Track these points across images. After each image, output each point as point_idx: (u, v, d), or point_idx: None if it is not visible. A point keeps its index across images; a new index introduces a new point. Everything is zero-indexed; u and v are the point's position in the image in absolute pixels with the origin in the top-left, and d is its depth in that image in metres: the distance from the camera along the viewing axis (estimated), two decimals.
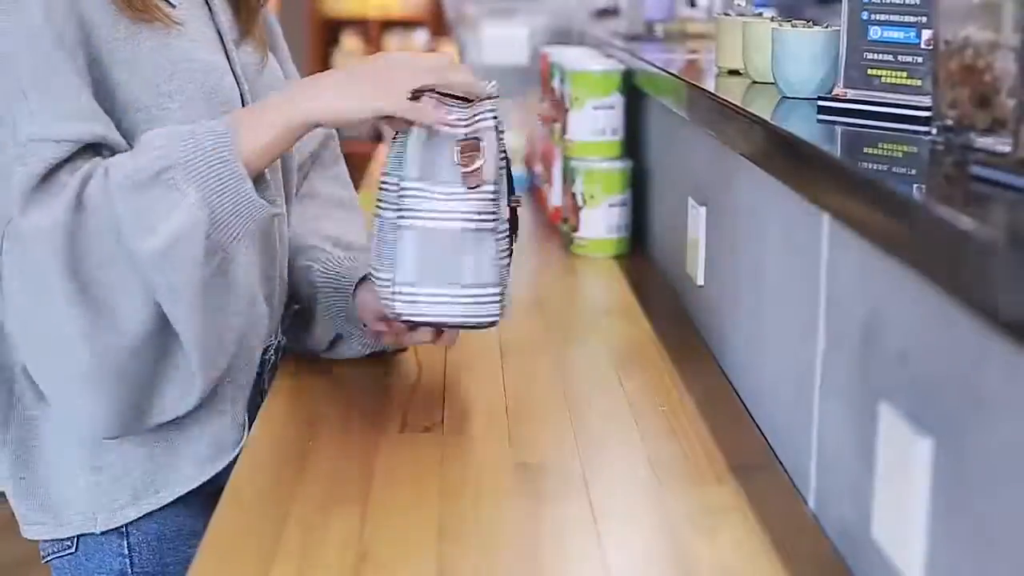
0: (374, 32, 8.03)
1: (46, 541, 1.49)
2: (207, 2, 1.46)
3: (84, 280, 1.29)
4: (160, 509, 1.46)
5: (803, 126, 1.36)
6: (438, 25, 7.51)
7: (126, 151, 1.33)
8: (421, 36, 7.93)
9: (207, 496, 1.29)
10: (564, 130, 2.34)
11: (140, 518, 1.45)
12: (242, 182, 1.31)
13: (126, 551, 1.47)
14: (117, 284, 1.30)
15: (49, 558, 1.50)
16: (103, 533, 1.46)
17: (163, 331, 1.33)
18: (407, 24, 8.04)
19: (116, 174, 1.30)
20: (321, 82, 1.38)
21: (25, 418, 1.44)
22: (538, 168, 2.74)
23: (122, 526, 1.45)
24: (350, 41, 8.04)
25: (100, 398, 1.33)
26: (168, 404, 1.38)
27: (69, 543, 1.47)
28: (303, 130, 1.36)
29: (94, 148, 1.32)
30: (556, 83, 2.43)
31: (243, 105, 1.46)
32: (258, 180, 1.36)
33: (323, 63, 7.84)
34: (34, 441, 1.44)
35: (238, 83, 1.47)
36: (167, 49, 1.38)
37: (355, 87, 1.36)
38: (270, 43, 1.61)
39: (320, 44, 7.93)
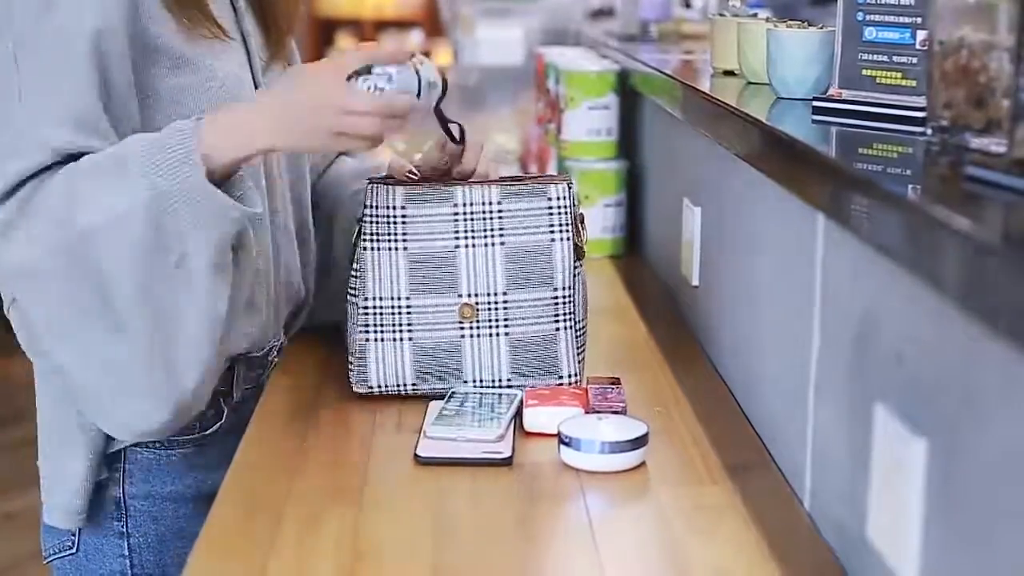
0: (369, 32, 8.02)
1: (48, 541, 1.49)
2: (238, 22, 1.49)
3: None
4: (160, 510, 1.47)
5: (798, 127, 1.36)
6: (433, 25, 7.50)
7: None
8: (416, 37, 7.93)
9: (207, 498, 1.29)
10: (559, 130, 2.34)
11: (140, 519, 1.46)
12: (196, 168, 1.30)
13: (126, 552, 1.48)
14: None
15: (50, 558, 1.51)
16: (104, 534, 1.46)
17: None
18: (402, 24, 8.04)
19: (74, 164, 1.32)
20: (271, 113, 1.36)
21: None
22: (533, 168, 2.74)
23: (123, 524, 1.46)
24: (345, 41, 8.04)
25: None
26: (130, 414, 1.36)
27: (71, 543, 1.48)
28: (263, 153, 1.39)
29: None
30: (551, 83, 2.43)
31: None
32: (233, 183, 1.35)
33: None
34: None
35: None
36: (202, 59, 1.42)
37: (293, 127, 1.35)
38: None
39: (315, 44, 7.92)
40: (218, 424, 1.52)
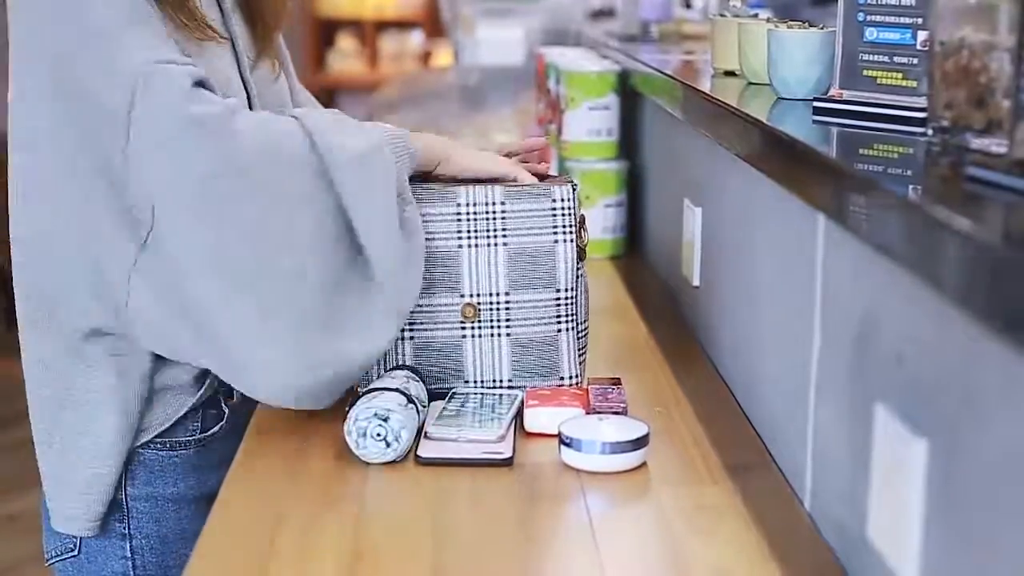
0: (369, 33, 8.02)
1: (50, 543, 1.49)
2: (223, 18, 1.48)
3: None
4: (163, 511, 1.47)
5: (799, 127, 1.36)
6: (434, 26, 7.50)
7: None
8: (416, 37, 7.93)
9: (209, 498, 1.29)
10: (560, 131, 2.34)
11: (142, 520, 1.46)
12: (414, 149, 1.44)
13: (128, 553, 1.48)
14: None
15: (52, 560, 1.50)
16: (106, 536, 1.46)
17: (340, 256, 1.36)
18: (402, 25, 8.03)
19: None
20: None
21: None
22: None
23: (125, 526, 1.45)
24: (345, 42, 8.03)
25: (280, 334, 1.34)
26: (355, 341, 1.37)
27: (72, 545, 1.48)
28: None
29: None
30: (552, 84, 2.43)
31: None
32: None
33: (318, 63, 7.85)
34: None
35: (248, 94, 1.50)
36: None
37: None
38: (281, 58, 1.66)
39: (315, 44, 7.91)
40: (219, 425, 1.52)
